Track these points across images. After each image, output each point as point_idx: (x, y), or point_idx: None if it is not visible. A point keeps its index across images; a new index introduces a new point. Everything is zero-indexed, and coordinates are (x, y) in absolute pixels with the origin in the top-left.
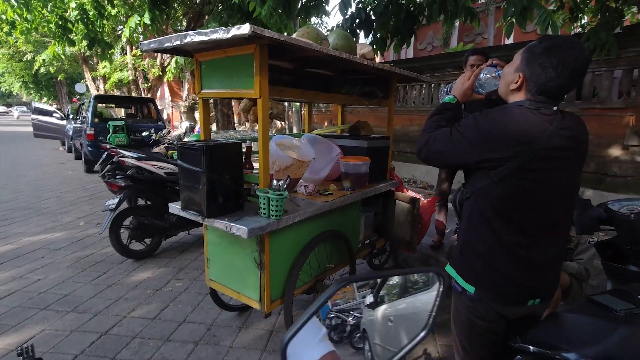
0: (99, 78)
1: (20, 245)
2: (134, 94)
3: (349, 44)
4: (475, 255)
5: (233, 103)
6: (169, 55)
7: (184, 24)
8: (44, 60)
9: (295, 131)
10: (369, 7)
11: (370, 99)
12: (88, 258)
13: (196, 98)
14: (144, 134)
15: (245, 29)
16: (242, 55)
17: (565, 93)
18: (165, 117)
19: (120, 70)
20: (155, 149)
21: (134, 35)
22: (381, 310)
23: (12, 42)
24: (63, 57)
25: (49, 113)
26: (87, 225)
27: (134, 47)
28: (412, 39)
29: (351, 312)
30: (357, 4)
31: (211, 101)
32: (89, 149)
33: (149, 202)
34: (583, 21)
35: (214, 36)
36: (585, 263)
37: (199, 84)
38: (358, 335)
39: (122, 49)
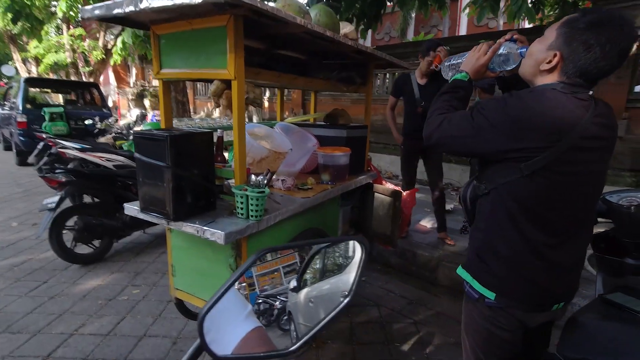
0: (30, 60)
1: None
2: (73, 79)
3: (333, 21)
4: (497, 258)
5: (188, 90)
6: (113, 36)
7: None
8: None
9: (255, 120)
10: None
11: (348, 85)
12: (23, 265)
13: (145, 84)
14: (87, 122)
15: None
16: (212, 29)
17: (607, 76)
18: (110, 104)
19: (56, 51)
20: (101, 139)
21: (72, 11)
22: (304, 292)
23: None
24: None
25: None
26: (22, 226)
27: (71, 26)
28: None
29: (278, 297)
30: None
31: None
32: (21, 138)
33: (96, 200)
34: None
35: (179, 1)
36: None
37: (157, 63)
38: (285, 318)
39: (58, 27)
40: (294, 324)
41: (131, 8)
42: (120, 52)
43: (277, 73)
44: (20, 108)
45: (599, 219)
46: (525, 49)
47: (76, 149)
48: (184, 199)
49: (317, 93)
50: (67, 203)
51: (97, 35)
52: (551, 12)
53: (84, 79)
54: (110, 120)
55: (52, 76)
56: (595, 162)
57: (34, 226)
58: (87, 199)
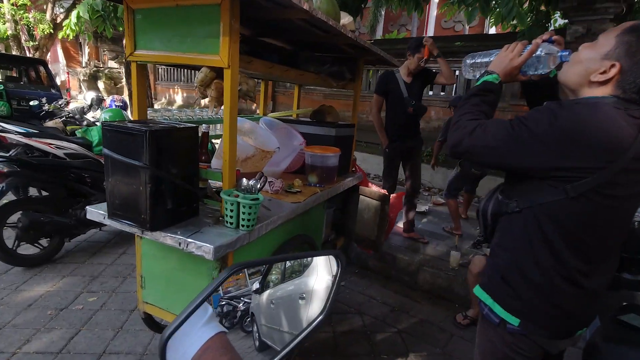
0: None
1: None
2: (14, 53)
3: (335, 10)
4: (525, 282)
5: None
6: (63, 9)
7: None
8: None
9: (222, 111)
10: None
11: (339, 80)
12: None
13: (100, 65)
14: (32, 103)
15: None
16: (202, 6)
17: None
18: (59, 84)
19: None
20: (49, 123)
21: None
22: (266, 294)
23: None
24: None
25: None
26: None
27: None
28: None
29: (242, 298)
30: None
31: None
32: None
33: (45, 193)
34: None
35: None
36: None
37: (131, 42)
38: (248, 319)
39: None
40: (256, 325)
41: None
42: (73, 27)
43: (270, 63)
44: None
45: None
46: (567, 53)
47: (20, 133)
48: (163, 205)
49: (301, 87)
50: (10, 197)
51: (45, 7)
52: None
53: (28, 55)
54: (60, 102)
55: None
56: (638, 184)
57: None
58: (33, 192)
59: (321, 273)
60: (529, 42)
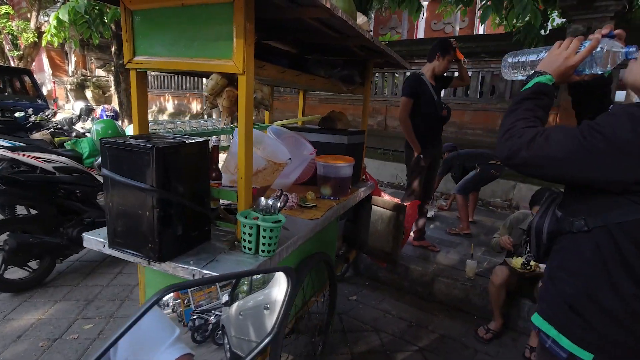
0: None
1: None
2: None
3: (351, 9)
4: (601, 312)
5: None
6: (48, 17)
7: None
8: None
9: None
10: None
11: (349, 84)
12: None
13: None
14: (17, 114)
15: None
16: (212, 5)
17: None
18: (45, 94)
19: None
20: (36, 135)
21: None
22: (235, 306)
23: None
24: None
25: None
26: None
27: None
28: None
29: (213, 311)
30: None
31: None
32: None
33: (33, 212)
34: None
35: None
36: None
37: (130, 47)
38: (219, 332)
39: None
40: (227, 337)
41: None
42: (53, 31)
43: (282, 68)
44: None
45: None
46: (634, 49)
47: (4, 147)
48: (172, 231)
49: (306, 92)
50: None
51: (29, 15)
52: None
53: (12, 65)
54: (47, 113)
55: None
56: None
57: None
58: (21, 210)
59: (282, 284)
60: (584, 38)
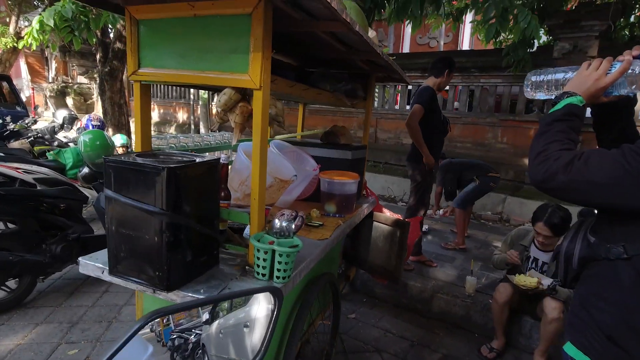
0: None
1: None
2: None
3: (363, 23)
4: None
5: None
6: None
7: None
8: None
9: (202, 131)
10: None
11: (352, 98)
12: None
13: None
14: None
15: None
16: (228, 17)
17: None
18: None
19: None
20: (14, 144)
21: None
22: (215, 325)
23: None
24: None
25: None
26: None
27: None
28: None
29: (193, 330)
30: None
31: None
32: None
33: (13, 227)
34: (500, 37)
35: None
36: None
37: (134, 58)
38: (199, 351)
39: None
40: (207, 356)
41: None
42: (35, 35)
43: (291, 82)
44: None
45: None
46: None
47: None
48: (182, 258)
49: (306, 106)
50: None
51: (8, 20)
52: (510, 36)
53: None
54: (26, 120)
55: None
56: None
57: None
58: None
59: (262, 302)
60: (614, 59)
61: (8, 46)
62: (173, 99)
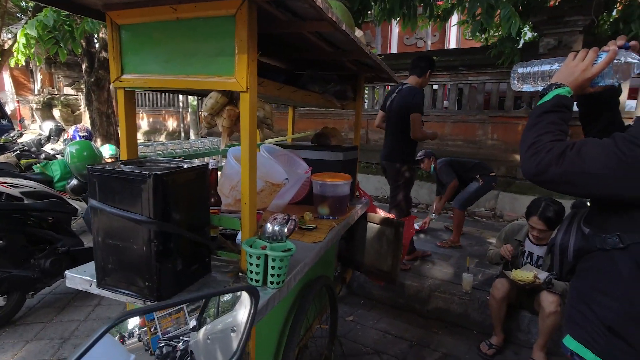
0: None
1: None
2: None
3: (350, 22)
4: None
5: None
6: (12, 34)
7: None
8: None
9: (192, 136)
10: None
11: (342, 100)
12: None
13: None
14: None
15: None
16: (212, 19)
17: None
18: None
19: None
20: (0, 158)
21: None
22: (202, 331)
23: None
24: None
25: None
26: None
27: None
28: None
29: (181, 338)
30: None
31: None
32: None
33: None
34: (486, 35)
35: None
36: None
37: (117, 64)
38: (188, 358)
39: None
40: None
41: None
42: (23, 51)
43: (279, 84)
44: None
45: None
46: None
47: None
48: (172, 268)
49: (296, 109)
50: None
51: None
52: (496, 33)
53: None
54: (12, 134)
55: None
56: None
57: None
58: None
59: (249, 306)
60: (599, 49)
61: None
62: (162, 107)
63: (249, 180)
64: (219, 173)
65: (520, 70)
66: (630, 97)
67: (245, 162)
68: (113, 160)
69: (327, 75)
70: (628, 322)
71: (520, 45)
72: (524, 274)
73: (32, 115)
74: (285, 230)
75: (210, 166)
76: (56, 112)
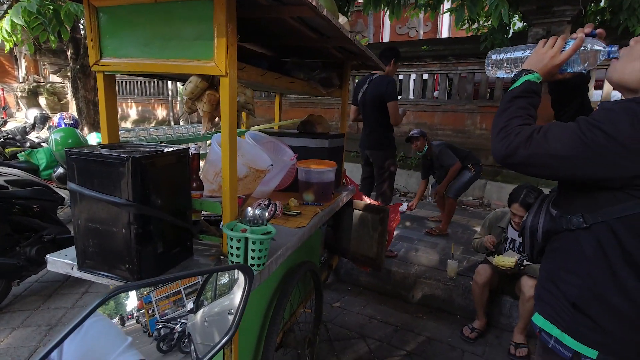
0: None
1: None
2: None
3: (333, 8)
4: (608, 310)
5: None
6: None
7: None
8: None
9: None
10: None
11: (328, 87)
12: None
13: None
14: None
15: None
16: (189, 2)
17: None
18: None
19: None
20: None
21: None
22: (200, 313)
23: None
24: None
25: None
26: None
27: None
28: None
29: (179, 320)
30: None
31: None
32: None
33: None
34: (476, 25)
35: None
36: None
37: (96, 48)
38: (186, 340)
39: None
40: (193, 345)
41: None
42: (7, 37)
43: (262, 70)
44: None
45: None
46: (615, 49)
47: None
48: (152, 249)
49: (284, 97)
50: None
51: None
52: (485, 23)
53: None
54: None
55: None
56: None
57: None
58: None
59: (243, 283)
60: (568, 37)
61: None
62: (151, 96)
63: (230, 165)
64: (202, 160)
65: (494, 56)
66: (596, 87)
67: (225, 147)
68: None
69: (313, 62)
70: (591, 299)
71: (510, 35)
72: (506, 260)
73: (18, 104)
74: (266, 214)
75: (191, 151)
76: (42, 100)
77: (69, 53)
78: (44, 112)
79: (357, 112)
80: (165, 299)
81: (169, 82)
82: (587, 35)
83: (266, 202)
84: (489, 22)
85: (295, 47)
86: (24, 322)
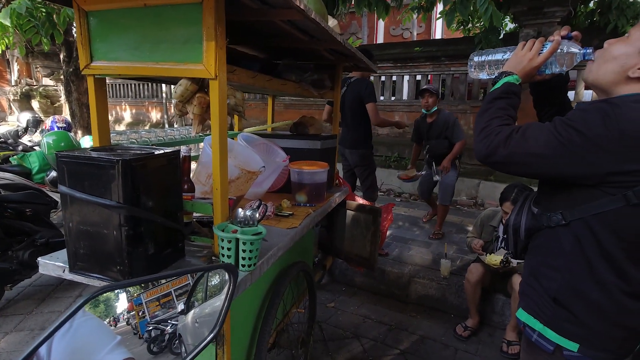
0: None
1: None
2: None
3: (323, 11)
4: (585, 303)
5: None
6: None
7: None
8: None
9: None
10: None
11: (319, 89)
12: None
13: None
14: None
15: None
16: (179, 6)
17: None
18: None
19: None
20: None
21: None
22: (191, 314)
23: None
24: None
25: None
26: None
27: None
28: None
29: (169, 321)
30: None
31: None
32: None
33: None
34: (469, 26)
35: None
36: None
37: (86, 52)
38: (176, 341)
39: None
40: (184, 346)
41: None
42: None
43: (253, 73)
44: None
45: None
46: (590, 51)
47: None
48: (143, 251)
49: (276, 99)
50: None
51: None
52: (478, 23)
53: None
54: None
55: None
56: None
57: None
58: None
59: (228, 282)
60: (545, 39)
61: None
62: (145, 99)
63: (220, 167)
64: (194, 162)
65: (476, 58)
66: (570, 88)
67: (215, 149)
68: None
69: (304, 64)
70: (571, 294)
71: (502, 36)
72: (498, 258)
73: (10, 107)
74: (257, 215)
75: (182, 153)
76: (35, 104)
77: (61, 56)
78: (36, 115)
79: (328, 113)
80: (155, 301)
81: (163, 85)
82: (563, 37)
83: (257, 204)
84: (482, 23)
85: (288, 49)
86: (17, 326)
